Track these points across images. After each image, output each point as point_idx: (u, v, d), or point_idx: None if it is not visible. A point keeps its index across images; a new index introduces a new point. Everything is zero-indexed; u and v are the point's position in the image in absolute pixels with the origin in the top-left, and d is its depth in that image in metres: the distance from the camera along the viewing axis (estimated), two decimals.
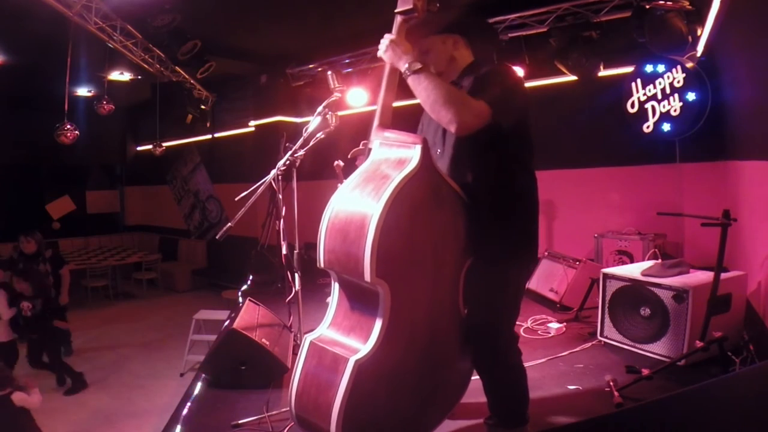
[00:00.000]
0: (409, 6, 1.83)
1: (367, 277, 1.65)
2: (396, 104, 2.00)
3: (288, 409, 2.47)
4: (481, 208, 1.90)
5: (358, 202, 1.74)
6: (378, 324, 1.72)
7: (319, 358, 1.81)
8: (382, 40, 1.91)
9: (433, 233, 1.83)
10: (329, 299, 1.98)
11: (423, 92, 1.78)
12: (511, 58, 4.93)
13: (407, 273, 1.78)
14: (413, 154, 1.78)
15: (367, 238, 1.64)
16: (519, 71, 4.92)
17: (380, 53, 1.93)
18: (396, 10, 1.87)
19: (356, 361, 1.67)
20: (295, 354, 3.15)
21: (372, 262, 1.63)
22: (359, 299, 1.84)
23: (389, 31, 2.01)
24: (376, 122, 1.96)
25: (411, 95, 1.85)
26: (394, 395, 1.82)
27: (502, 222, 1.90)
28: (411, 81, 1.81)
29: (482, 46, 2.08)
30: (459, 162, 1.94)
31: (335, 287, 1.93)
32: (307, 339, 1.88)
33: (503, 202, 1.90)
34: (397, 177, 1.71)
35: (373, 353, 1.70)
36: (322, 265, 1.85)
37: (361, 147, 4.21)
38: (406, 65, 1.81)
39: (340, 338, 1.85)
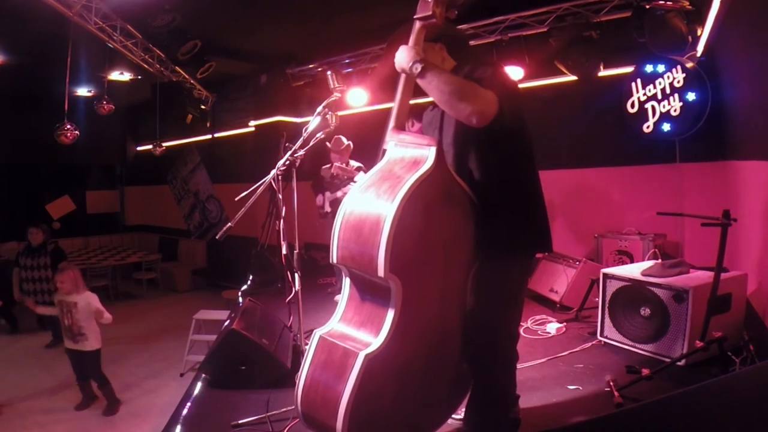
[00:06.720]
0: (428, 12, 1.86)
1: (381, 272, 1.69)
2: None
3: (288, 409, 2.50)
4: (483, 203, 1.94)
5: (373, 200, 1.80)
6: (389, 319, 1.77)
7: (328, 353, 1.83)
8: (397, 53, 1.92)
9: (444, 232, 1.88)
10: (337, 297, 1.99)
11: (435, 91, 1.80)
12: (511, 58, 4.94)
13: (419, 270, 1.82)
14: (428, 155, 1.84)
15: (381, 235, 1.69)
16: (519, 72, 4.92)
17: (396, 62, 1.93)
18: (415, 16, 1.90)
19: (366, 356, 1.70)
20: (295, 354, 3.16)
21: (386, 258, 1.68)
22: (370, 295, 1.88)
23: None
24: (391, 124, 2.00)
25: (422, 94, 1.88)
26: (401, 392, 1.84)
27: (501, 216, 1.93)
28: (422, 83, 1.84)
29: (459, 52, 2.14)
30: (462, 159, 1.97)
31: (346, 283, 1.96)
32: (317, 334, 1.90)
33: (504, 197, 1.93)
34: (413, 177, 1.77)
35: (383, 348, 1.73)
36: (334, 261, 1.88)
37: (334, 141, 4.26)
38: (411, 66, 1.83)
39: (350, 332, 1.87)
